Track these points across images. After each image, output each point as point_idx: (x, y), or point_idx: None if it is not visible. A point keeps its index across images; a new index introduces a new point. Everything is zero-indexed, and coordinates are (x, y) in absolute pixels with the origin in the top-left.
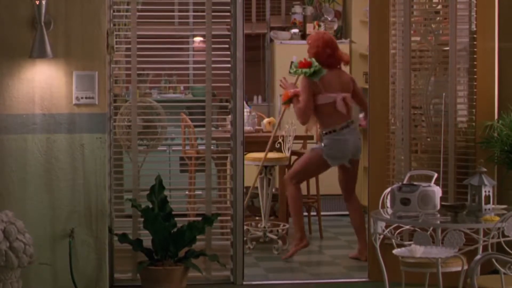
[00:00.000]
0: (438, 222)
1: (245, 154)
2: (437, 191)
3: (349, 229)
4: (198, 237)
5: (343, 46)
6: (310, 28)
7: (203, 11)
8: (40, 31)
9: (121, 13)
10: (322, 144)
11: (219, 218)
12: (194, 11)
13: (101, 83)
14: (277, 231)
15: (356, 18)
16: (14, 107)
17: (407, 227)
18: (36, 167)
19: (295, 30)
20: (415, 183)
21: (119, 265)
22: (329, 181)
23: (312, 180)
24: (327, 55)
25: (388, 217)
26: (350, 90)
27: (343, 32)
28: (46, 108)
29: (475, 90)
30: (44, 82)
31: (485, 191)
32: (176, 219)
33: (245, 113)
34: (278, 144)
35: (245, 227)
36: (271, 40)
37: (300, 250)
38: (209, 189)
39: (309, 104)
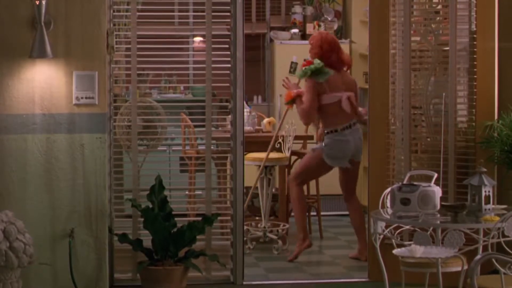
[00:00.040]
0: (438, 222)
1: (245, 154)
2: (437, 191)
3: (349, 229)
4: (198, 237)
5: (343, 46)
6: (310, 28)
7: (203, 11)
8: (40, 31)
9: (121, 13)
10: (323, 144)
11: (219, 218)
12: (194, 11)
13: (101, 83)
14: (277, 231)
15: (356, 18)
16: (14, 107)
17: (407, 227)
18: (36, 167)
19: (295, 30)
20: (415, 183)
21: (119, 265)
22: (329, 181)
23: (312, 180)
24: (329, 55)
25: (388, 217)
26: (354, 90)
27: (343, 32)
28: (46, 108)
29: (475, 90)
30: (44, 82)
31: (485, 191)
32: (176, 219)
33: (245, 113)
34: (278, 144)
35: (245, 227)
36: (271, 40)
37: (304, 250)
38: (209, 189)
39: (313, 105)
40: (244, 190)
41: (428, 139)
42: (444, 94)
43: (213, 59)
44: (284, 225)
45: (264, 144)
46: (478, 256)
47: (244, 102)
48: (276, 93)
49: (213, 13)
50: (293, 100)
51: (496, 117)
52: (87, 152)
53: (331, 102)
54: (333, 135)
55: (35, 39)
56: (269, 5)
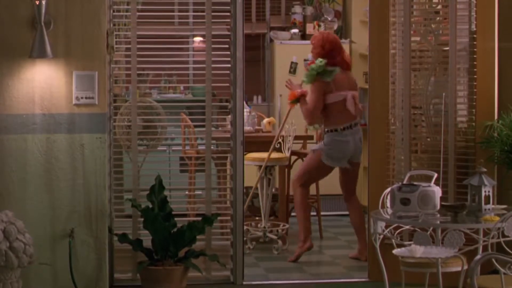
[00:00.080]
0: (438, 222)
1: (245, 154)
2: (437, 191)
3: (349, 229)
4: (198, 237)
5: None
6: (310, 28)
7: (203, 11)
8: (40, 31)
9: (121, 13)
10: (322, 142)
11: (219, 218)
12: (194, 11)
13: (101, 83)
14: (277, 231)
15: (356, 18)
16: (14, 107)
17: (407, 227)
18: (36, 167)
19: (295, 30)
20: (415, 183)
21: (119, 265)
22: (329, 181)
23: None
24: (333, 54)
25: (388, 217)
26: (356, 89)
27: (343, 32)
28: (46, 108)
29: (475, 90)
30: (44, 82)
31: (485, 191)
32: (176, 219)
33: (245, 113)
34: (278, 144)
35: (245, 227)
36: (271, 40)
37: (304, 252)
38: (209, 189)
39: (318, 105)
40: (244, 190)
41: (428, 139)
42: (444, 94)
43: (213, 59)
44: (284, 225)
45: (264, 144)
46: (478, 256)
47: (244, 102)
48: (276, 93)
49: (213, 13)
50: (297, 100)
51: (496, 117)
52: (87, 152)
53: (336, 101)
54: (333, 134)
55: (35, 39)
56: (269, 5)
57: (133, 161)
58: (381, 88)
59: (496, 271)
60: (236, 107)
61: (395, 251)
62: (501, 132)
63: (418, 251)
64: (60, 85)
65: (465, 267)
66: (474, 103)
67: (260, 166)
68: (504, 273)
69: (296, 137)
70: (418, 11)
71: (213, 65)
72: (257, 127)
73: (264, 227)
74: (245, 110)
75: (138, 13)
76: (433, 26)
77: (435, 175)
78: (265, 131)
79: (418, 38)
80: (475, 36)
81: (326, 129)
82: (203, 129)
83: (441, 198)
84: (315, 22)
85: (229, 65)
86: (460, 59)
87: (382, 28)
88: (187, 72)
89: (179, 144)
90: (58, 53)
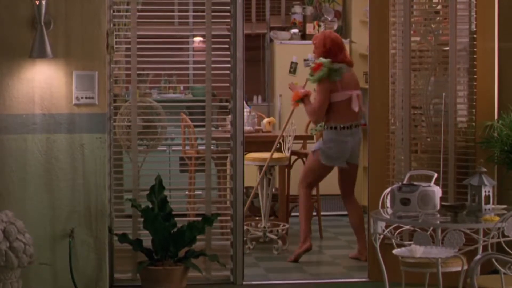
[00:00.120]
0: (438, 222)
1: (245, 154)
2: (437, 191)
3: (349, 229)
4: (198, 237)
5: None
6: (310, 28)
7: (203, 11)
8: (40, 31)
9: (121, 13)
10: (321, 139)
11: (219, 218)
12: (194, 11)
13: (101, 83)
14: (277, 231)
15: (356, 18)
16: (14, 107)
17: (407, 227)
18: (36, 167)
19: (295, 30)
20: (415, 183)
21: (119, 265)
22: (329, 181)
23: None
24: (335, 53)
25: (388, 217)
26: (359, 88)
27: (343, 32)
28: (46, 108)
29: (475, 90)
30: (44, 82)
31: (485, 191)
32: (176, 219)
33: (245, 113)
34: (278, 144)
35: (245, 227)
36: (271, 40)
37: (303, 253)
38: (209, 189)
39: (323, 105)
40: (244, 190)
41: (428, 139)
42: (444, 94)
43: (213, 59)
44: (284, 225)
45: (264, 144)
46: (478, 256)
47: (244, 102)
48: (276, 93)
49: (213, 13)
50: (301, 99)
51: (496, 117)
52: (87, 152)
53: (341, 100)
54: (332, 132)
55: (35, 39)
56: (269, 5)
57: (133, 161)
58: (381, 88)
59: (496, 271)
60: (236, 107)
61: (395, 251)
62: (501, 132)
63: (418, 251)
64: (60, 85)
65: (465, 267)
66: (474, 103)
67: (260, 166)
68: (504, 273)
69: (296, 137)
70: (418, 11)
71: (213, 65)
72: (257, 127)
73: (264, 227)
74: (245, 110)
75: (138, 13)
76: (433, 26)
77: (435, 175)
78: (265, 131)
79: (418, 38)
80: (475, 36)
81: (326, 126)
82: (203, 129)
83: (441, 198)
84: (315, 22)
85: (229, 65)
86: (460, 59)
87: (382, 28)
88: (187, 72)
89: (179, 144)
90: (58, 53)
